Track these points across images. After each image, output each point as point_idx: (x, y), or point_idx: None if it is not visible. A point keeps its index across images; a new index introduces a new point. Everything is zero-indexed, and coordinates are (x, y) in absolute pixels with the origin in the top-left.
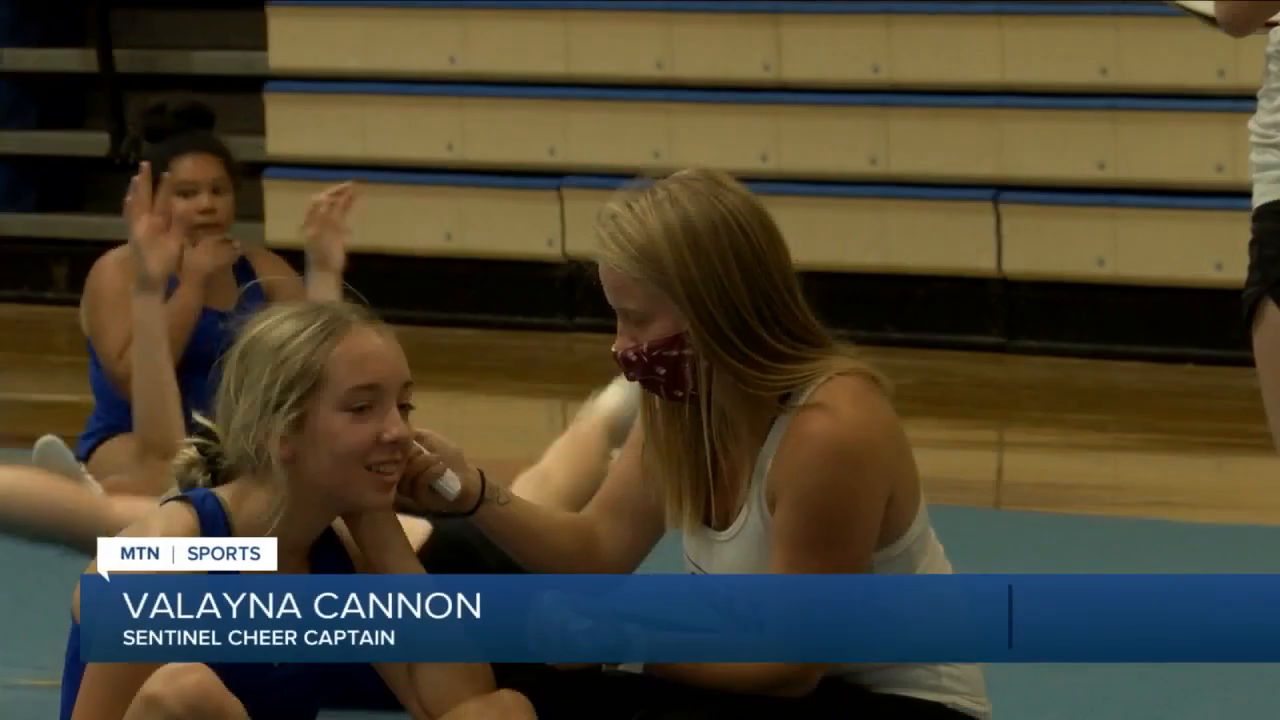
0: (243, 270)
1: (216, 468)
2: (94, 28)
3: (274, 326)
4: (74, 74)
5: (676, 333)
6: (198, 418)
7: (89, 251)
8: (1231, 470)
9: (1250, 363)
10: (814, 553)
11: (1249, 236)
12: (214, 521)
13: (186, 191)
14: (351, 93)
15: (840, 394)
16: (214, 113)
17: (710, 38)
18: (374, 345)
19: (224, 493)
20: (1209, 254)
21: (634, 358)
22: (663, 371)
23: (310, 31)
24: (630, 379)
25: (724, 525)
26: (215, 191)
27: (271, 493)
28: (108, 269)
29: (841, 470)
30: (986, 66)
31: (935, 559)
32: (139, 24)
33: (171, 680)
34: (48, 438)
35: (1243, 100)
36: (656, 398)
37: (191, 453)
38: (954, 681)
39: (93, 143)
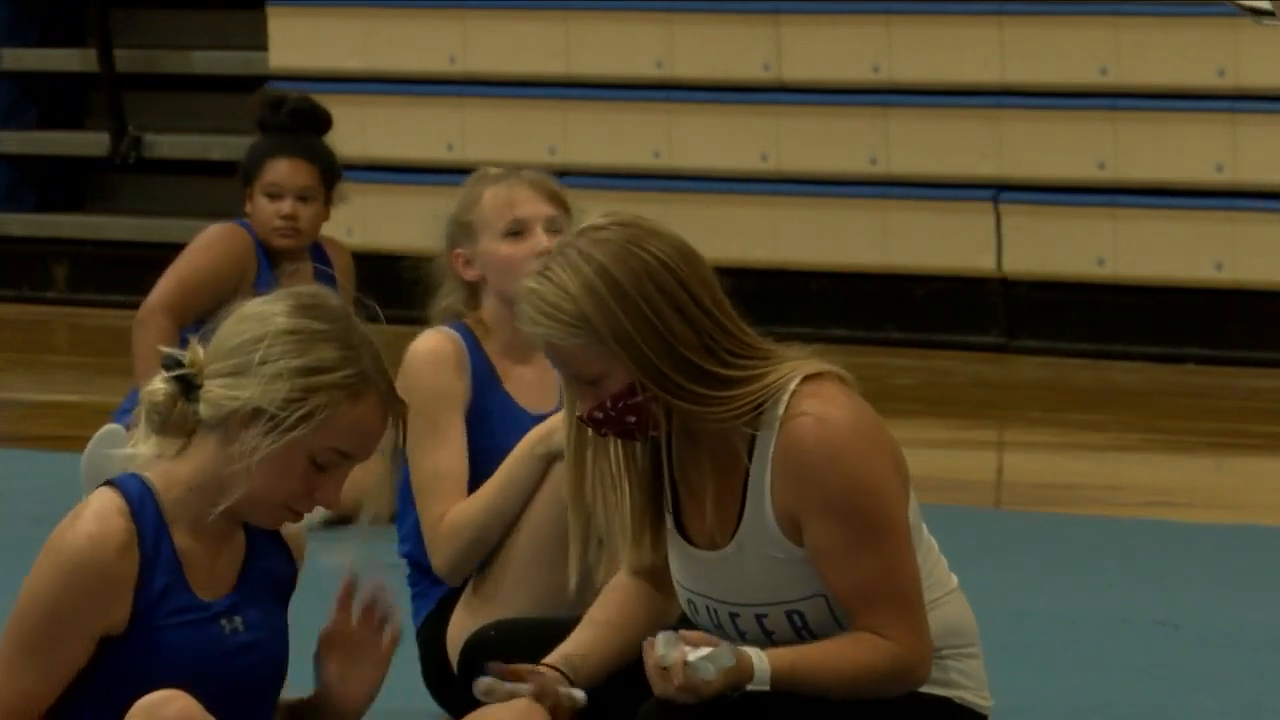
0: (316, 254)
1: (192, 399)
2: (94, 28)
3: (318, 340)
4: (74, 74)
5: (632, 380)
6: (194, 343)
7: (89, 251)
8: (1231, 470)
9: (1250, 363)
10: (865, 551)
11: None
12: (142, 502)
13: (273, 194)
14: (351, 93)
15: (819, 399)
16: (331, 118)
17: (710, 38)
18: (374, 425)
19: (152, 474)
20: (1209, 254)
21: (601, 415)
22: (633, 419)
23: (310, 31)
24: (602, 435)
25: (712, 545)
26: (302, 200)
27: (196, 468)
28: (210, 237)
29: (851, 465)
30: (986, 66)
31: (931, 551)
32: (139, 24)
33: (153, 713)
34: (111, 426)
35: (1243, 100)
36: (603, 449)
37: (172, 386)
38: (961, 676)
39: (93, 143)
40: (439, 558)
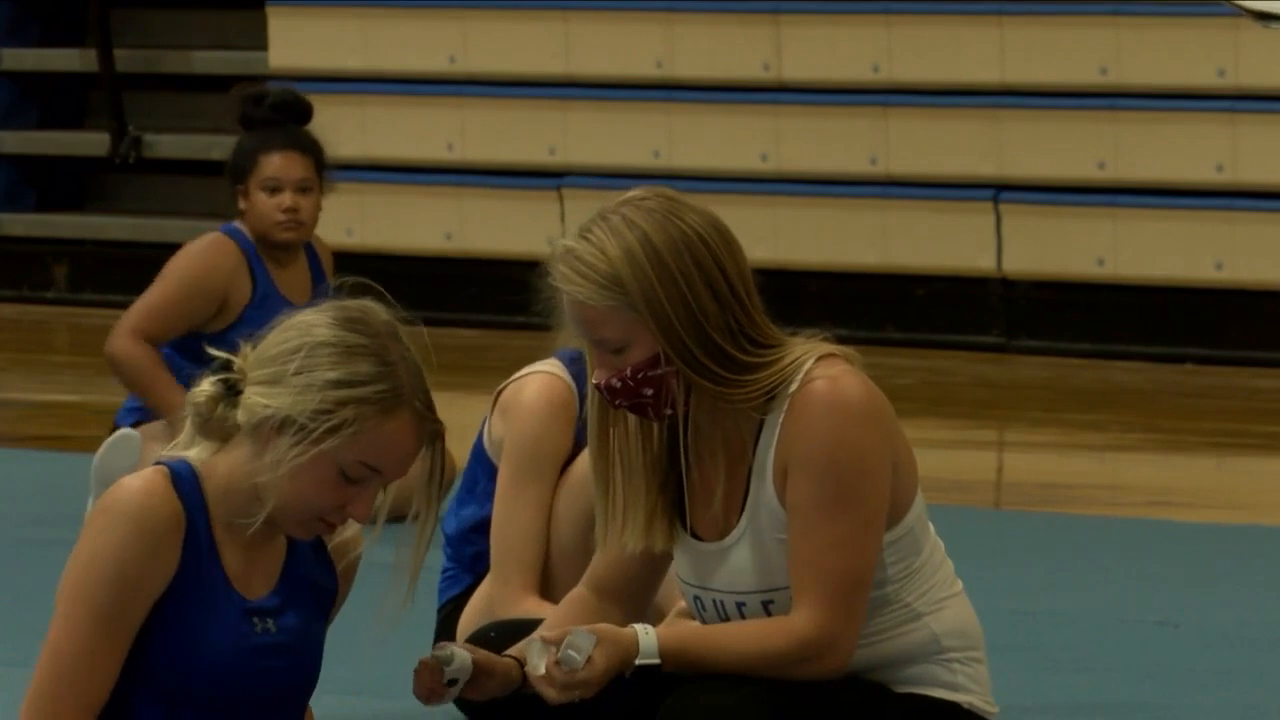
0: (312, 260)
1: (232, 404)
2: (94, 28)
3: (354, 354)
4: (74, 74)
5: (657, 351)
6: (244, 346)
7: (89, 251)
8: (1231, 470)
9: (1250, 362)
10: (831, 515)
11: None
12: (185, 477)
13: (272, 188)
14: (351, 93)
15: (833, 368)
16: (312, 107)
17: (710, 38)
18: (406, 443)
19: (197, 461)
20: (1209, 254)
21: (619, 384)
22: (650, 392)
23: (310, 31)
24: (616, 406)
25: (719, 536)
26: (301, 191)
27: (230, 469)
28: (188, 260)
29: (847, 427)
30: (986, 66)
31: (937, 550)
32: (139, 24)
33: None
34: (125, 431)
35: (1243, 100)
36: (622, 425)
37: (216, 389)
38: (968, 680)
39: (93, 143)
40: (464, 625)
